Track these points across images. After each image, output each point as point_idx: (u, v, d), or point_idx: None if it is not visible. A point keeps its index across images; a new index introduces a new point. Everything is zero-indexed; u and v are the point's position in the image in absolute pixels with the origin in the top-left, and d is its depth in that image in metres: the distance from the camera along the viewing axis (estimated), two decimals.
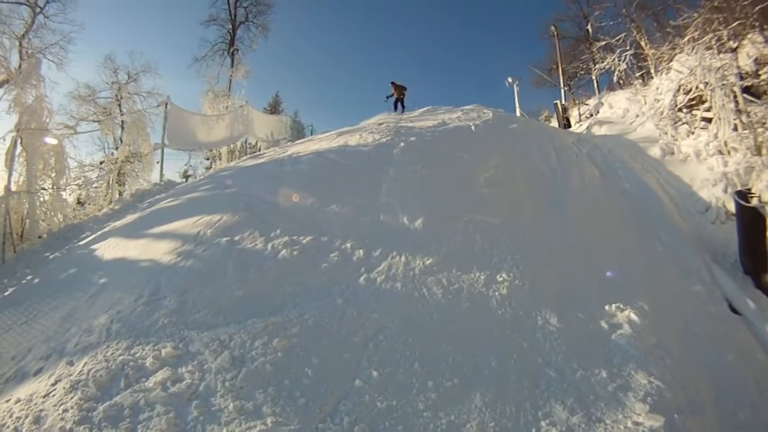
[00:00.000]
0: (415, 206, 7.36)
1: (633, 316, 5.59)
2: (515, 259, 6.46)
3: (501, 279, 5.93)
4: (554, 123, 22.79)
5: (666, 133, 12.85)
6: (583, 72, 27.44)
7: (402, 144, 9.82)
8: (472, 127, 11.18)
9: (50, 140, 12.55)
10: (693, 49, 13.02)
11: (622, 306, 5.79)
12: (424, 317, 5.22)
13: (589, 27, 24.62)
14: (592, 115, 19.32)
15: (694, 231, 9.22)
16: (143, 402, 4.07)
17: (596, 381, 4.52)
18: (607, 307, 5.74)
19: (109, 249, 7.42)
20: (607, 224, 8.28)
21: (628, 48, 18.05)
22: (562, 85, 24.76)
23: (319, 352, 4.57)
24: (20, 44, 19.40)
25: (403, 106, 19.40)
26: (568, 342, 5.03)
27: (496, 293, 5.66)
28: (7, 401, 4.62)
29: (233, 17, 29.41)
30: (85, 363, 4.69)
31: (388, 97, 19.56)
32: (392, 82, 19.66)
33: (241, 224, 7.03)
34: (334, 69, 66.05)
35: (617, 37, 18.65)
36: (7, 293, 8.32)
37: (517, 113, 22.52)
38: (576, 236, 7.59)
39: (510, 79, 24.79)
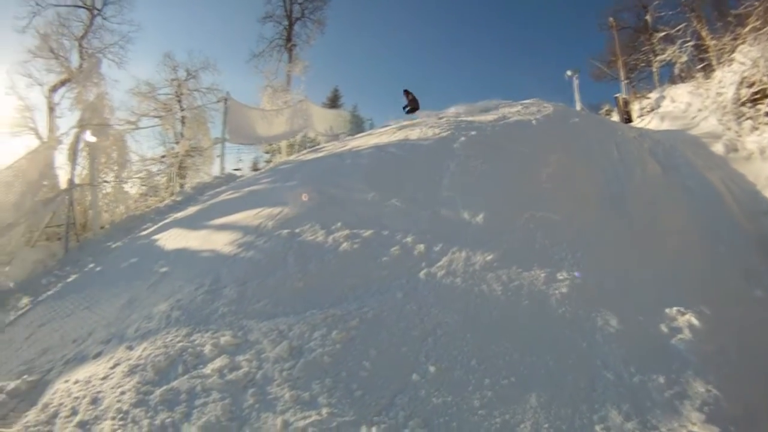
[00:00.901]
0: (476, 201, 7.22)
1: (693, 321, 5.29)
2: (576, 256, 6.24)
3: (561, 277, 5.71)
4: (615, 117, 22.09)
5: (729, 129, 12.43)
6: (643, 64, 26.31)
7: (462, 138, 9.65)
8: (533, 122, 10.95)
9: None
10: (755, 39, 12.50)
11: (682, 309, 5.46)
12: (484, 313, 5.08)
13: (648, 17, 23.61)
14: (653, 110, 18.64)
15: (757, 232, 8.81)
16: (200, 388, 4.11)
17: (653, 386, 4.30)
18: (667, 310, 5.43)
19: (171, 239, 7.57)
20: (668, 223, 7.95)
21: (688, 39, 17.46)
22: (622, 78, 24.12)
23: (378, 345, 4.51)
24: (80, 45, 19.84)
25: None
26: (627, 345, 4.79)
27: (557, 292, 5.45)
28: (66, 382, 4.74)
29: (289, 14, 29.35)
30: (144, 348, 4.77)
31: (405, 108, 16.94)
32: (406, 90, 17.08)
33: (302, 217, 7.05)
34: (392, 62, 65.78)
35: (677, 28, 18.06)
36: (69, 280, 8.56)
37: (578, 107, 21.76)
38: (637, 234, 7.31)
39: (569, 72, 23.88)
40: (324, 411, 3.73)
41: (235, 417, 3.79)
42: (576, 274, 5.84)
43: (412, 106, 16.84)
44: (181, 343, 4.73)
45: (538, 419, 3.84)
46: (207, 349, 4.59)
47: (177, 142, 17.97)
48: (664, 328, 5.14)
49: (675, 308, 5.45)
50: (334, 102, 37.17)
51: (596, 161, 9.57)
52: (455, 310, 5.05)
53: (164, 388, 4.19)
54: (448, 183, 7.90)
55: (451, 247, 6.15)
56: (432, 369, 4.25)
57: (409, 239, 6.30)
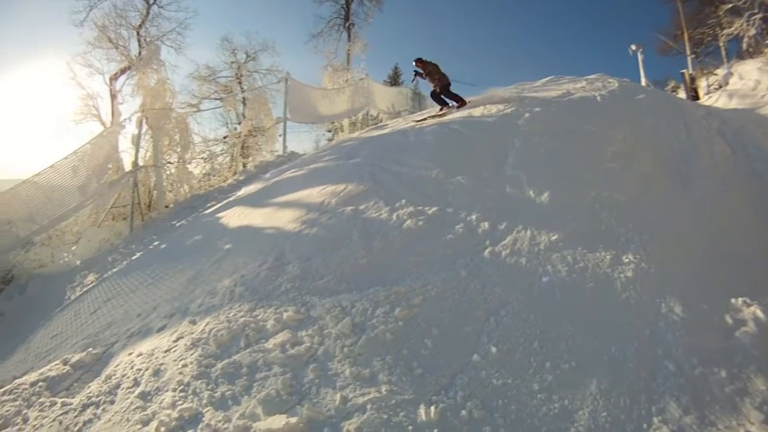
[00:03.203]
0: (541, 179, 7.04)
1: (759, 313, 4.90)
2: (642, 239, 6.00)
3: (627, 260, 5.51)
4: (681, 94, 21.11)
5: None
6: (710, 38, 25.10)
7: (527, 115, 9.45)
8: (598, 98, 10.60)
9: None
10: None
11: (748, 300, 5.02)
12: (548, 295, 4.95)
13: None
14: (720, 87, 17.66)
15: None
16: (261, 362, 4.16)
17: (714, 380, 4.04)
18: (733, 300, 5.03)
19: (234, 217, 7.68)
20: (737, 206, 7.51)
21: (756, 11, 16.59)
22: (688, 53, 23.16)
23: (440, 323, 4.46)
24: (138, 34, 20.82)
25: (451, 97, 12.12)
26: (690, 334, 4.55)
27: (621, 275, 5.26)
28: (130, 354, 4.91)
29: None
30: (208, 322, 4.87)
31: (413, 81, 12.73)
32: (419, 60, 12.27)
33: (366, 194, 7.06)
34: (450, 39, 64.91)
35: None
36: (134, 257, 8.85)
37: (643, 83, 21.03)
38: (705, 219, 6.92)
39: (633, 47, 23.10)
40: (383, 388, 3.69)
41: (294, 391, 3.80)
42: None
43: (440, 84, 12.12)
44: (243, 318, 4.80)
45: (597, 407, 3.71)
46: (269, 324, 4.64)
47: (239, 123, 18.23)
48: (728, 319, 4.84)
49: (741, 299, 5.12)
50: (395, 80, 37.02)
51: (663, 140, 9.20)
52: (519, 291, 4.94)
53: (226, 361, 4.27)
54: (512, 161, 7.74)
55: (515, 225, 6.01)
56: (494, 350, 4.16)
57: (473, 217, 6.20)
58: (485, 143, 8.55)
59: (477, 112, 10.38)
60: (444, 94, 12.13)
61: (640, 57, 22.82)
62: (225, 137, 17.09)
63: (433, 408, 3.46)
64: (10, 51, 38.99)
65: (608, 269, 5.35)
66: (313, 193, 7.53)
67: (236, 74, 23.15)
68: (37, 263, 10.98)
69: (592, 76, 13.21)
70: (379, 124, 15.67)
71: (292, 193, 8.11)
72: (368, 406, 3.51)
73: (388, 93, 22.76)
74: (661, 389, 3.94)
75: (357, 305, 4.69)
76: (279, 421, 3.46)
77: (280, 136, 16.14)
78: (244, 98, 19.38)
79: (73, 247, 11.31)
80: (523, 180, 7.12)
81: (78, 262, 10.60)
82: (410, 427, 3.33)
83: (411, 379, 3.82)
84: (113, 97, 17.18)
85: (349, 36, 27.26)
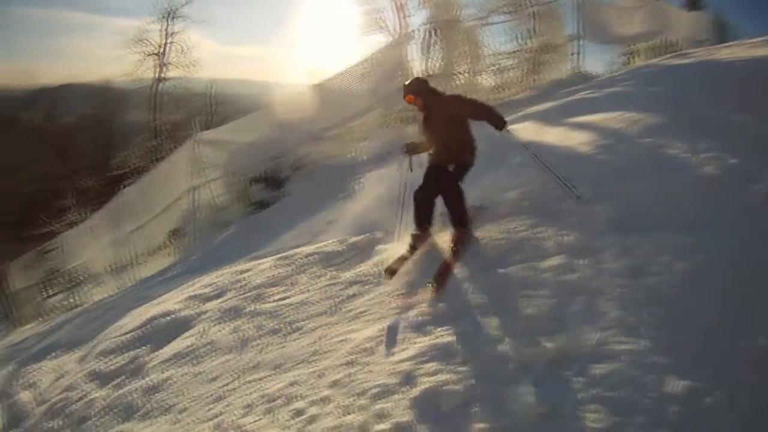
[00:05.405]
0: None
1: None
2: None
3: None
4: None
5: None
6: None
7: None
8: None
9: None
10: None
11: None
12: None
13: None
14: None
15: None
16: (532, 280, 4.25)
17: None
18: None
19: (525, 131, 7.57)
20: None
21: None
22: None
23: (722, 286, 3.85)
24: None
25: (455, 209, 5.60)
26: None
27: None
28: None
29: None
30: (487, 230, 5.19)
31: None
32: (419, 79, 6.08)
33: (666, 128, 6.53)
34: None
35: None
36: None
37: None
38: None
39: None
40: (642, 343, 3.36)
41: (556, 318, 3.79)
42: None
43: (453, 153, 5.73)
44: (524, 233, 4.94)
45: None
46: (549, 244, 4.68)
47: (529, 38, 17.89)
48: None
49: None
50: (694, 4, 33.30)
51: None
52: None
53: (499, 270, 4.50)
54: None
55: None
56: None
57: None
58: None
59: None
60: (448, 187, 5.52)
61: None
62: (515, 51, 16.84)
63: (681, 383, 2.99)
64: None
65: None
66: (609, 119, 7.21)
67: None
68: (325, 155, 12.21)
69: None
70: (679, 52, 14.29)
71: (586, 115, 7.83)
72: (622, 357, 3.26)
73: (686, 18, 20.32)
74: None
75: (639, 247, 4.38)
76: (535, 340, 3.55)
77: (572, 54, 15.60)
78: (534, 12, 18.88)
79: (361, 144, 12.29)
80: None
81: (364, 157, 11.55)
82: (652, 395, 2.96)
83: (673, 342, 3.38)
84: (399, 10, 17.71)
85: None
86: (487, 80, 15.02)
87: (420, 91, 5.62)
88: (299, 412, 3.71)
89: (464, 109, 5.68)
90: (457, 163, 5.62)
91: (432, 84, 5.75)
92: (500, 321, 3.93)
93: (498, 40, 14.55)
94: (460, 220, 5.35)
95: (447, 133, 5.52)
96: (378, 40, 14.92)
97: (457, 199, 5.38)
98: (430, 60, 13.69)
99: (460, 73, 14.06)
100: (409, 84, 5.72)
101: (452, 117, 5.52)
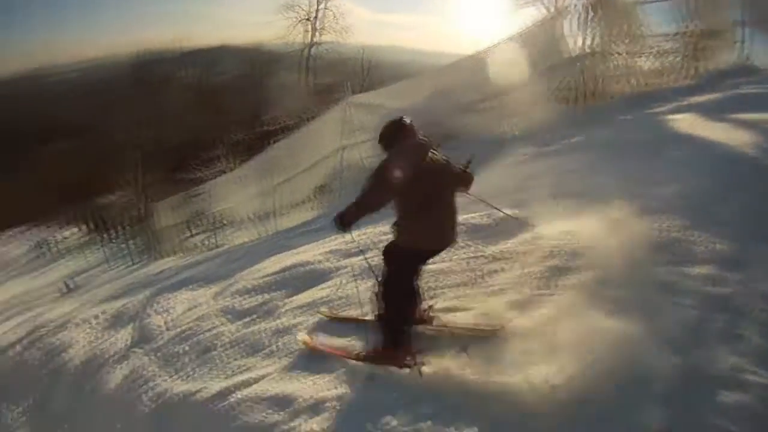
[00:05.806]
0: None
1: None
2: None
3: None
4: None
5: None
6: None
7: None
8: None
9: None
10: None
11: None
12: None
13: None
14: None
15: None
16: (678, 286, 4.06)
17: None
18: None
19: (685, 124, 7.36)
20: None
21: None
22: None
23: None
24: None
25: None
26: None
27: None
28: (551, 228, 5.42)
29: None
30: (638, 224, 4.86)
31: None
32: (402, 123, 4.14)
33: None
34: None
35: None
36: (573, 140, 9.20)
37: None
38: None
39: None
40: None
41: (694, 329, 3.58)
42: None
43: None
44: (675, 234, 4.75)
45: None
46: (700, 249, 4.48)
47: (692, 21, 16.80)
48: None
49: None
50: None
51: None
52: None
53: (645, 270, 4.27)
54: None
55: None
56: None
57: None
58: None
59: None
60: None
61: None
62: (675, 34, 15.88)
63: None
64: None
65: None
66: None
67: None
68: (476, 128, 12.18)
69: None
70: None
71: (752, 112, 7.32)
72: (753, 390, 2.99)
73: None
74: None
75: None
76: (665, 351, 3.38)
77: (736, 42, 14.10)
78: None
79: (515, 119, 12.19)
80: None
81: (516, 133, 11.46)
82: None
83: None
84: None
85: None
86: (646, 63, 14.07)
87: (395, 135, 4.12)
88: None
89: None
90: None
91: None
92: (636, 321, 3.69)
93: (658, 20, 13.66)
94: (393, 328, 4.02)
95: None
96: (533, 13, 14.67)
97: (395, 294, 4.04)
98: (585, 37, 13.18)
99: (618, 53, 13.43)
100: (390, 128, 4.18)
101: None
